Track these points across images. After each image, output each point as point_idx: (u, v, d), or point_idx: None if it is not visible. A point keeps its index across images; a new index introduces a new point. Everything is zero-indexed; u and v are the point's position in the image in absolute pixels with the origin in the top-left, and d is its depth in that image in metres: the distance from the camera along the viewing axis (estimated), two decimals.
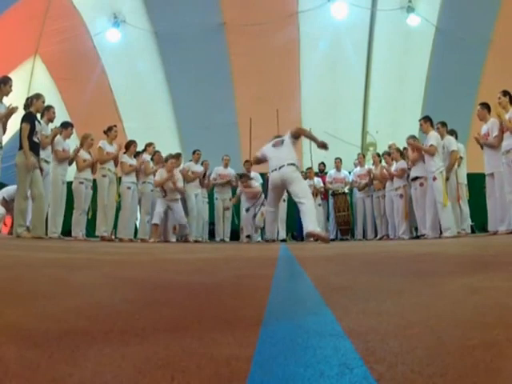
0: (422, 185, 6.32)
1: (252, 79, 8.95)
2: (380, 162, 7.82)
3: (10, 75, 5.46)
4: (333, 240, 8.16)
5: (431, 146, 6.03)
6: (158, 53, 9.16)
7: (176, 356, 0.49)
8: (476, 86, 8.24)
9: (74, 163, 6.18)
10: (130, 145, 6.79)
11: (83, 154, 6.19)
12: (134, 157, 6.86)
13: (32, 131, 5.02)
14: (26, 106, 5.21)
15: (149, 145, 7.22)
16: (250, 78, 8.95)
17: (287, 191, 5.35)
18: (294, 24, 8.62)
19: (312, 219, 4.67)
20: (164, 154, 7.61)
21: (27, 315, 0.72)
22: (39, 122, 5.29)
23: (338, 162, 8.45)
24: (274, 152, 5.14)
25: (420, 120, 6.41)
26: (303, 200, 4.79)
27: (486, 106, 5.71)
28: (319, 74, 9.10)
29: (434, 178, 5.98)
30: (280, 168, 4.93)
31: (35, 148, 5.10)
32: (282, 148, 5.10)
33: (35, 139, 5.08)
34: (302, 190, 4.95)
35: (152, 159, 7.20)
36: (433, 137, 6.11)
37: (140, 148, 7.10)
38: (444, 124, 6.36)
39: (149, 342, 0.55)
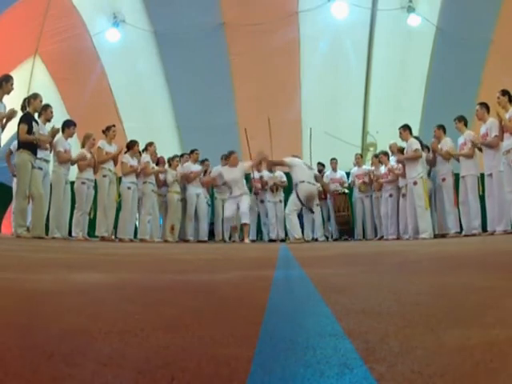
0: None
1: (252, 79, 8.93)
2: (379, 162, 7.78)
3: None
4: (333, 240, 8.17)
5: (416, 150, 6.13)
6: (158, 53, 9.13)
7: (176, 356, 0.49)
8: (476, 86, 8.21)
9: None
10: (132, 145, 6.77)
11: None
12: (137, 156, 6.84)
13: (29, 132, 5.01)
14: (24, 107, 5.19)
15: (149, 144, 7.21)
16: (249, 78, 8.93)
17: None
18: (294, 24, 8.59)
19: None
20: (163, 154, 7.60)
21: (27, 315, 0.71)
22: (37, 122, 5.27)
23: (334, 163, 8.42)
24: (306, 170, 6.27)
25: (399, 128, 6.49)
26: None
27: (485, 106, 5.70)
28: (319, 74, 9.08)
29: (415, 183, 6.12)
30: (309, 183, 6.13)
31: (33, 148, 5.08)
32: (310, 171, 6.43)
33: None
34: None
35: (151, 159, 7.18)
36: (414, 143, 6.24)
37: (140, 148, 7.08)
38: (440, 127, 6.38)
39: (149, 341, 0.55)
